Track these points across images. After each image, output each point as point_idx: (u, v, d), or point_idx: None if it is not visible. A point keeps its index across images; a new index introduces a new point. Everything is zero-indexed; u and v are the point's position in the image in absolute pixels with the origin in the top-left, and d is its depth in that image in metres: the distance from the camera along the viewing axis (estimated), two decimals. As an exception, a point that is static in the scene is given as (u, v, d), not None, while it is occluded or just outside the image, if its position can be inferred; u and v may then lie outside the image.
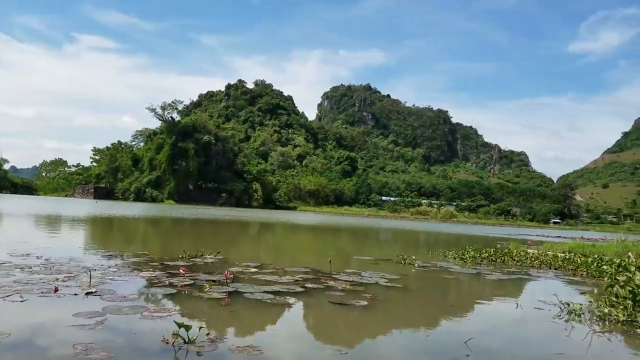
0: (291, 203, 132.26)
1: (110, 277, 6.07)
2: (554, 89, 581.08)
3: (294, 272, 7.61)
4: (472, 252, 12.28)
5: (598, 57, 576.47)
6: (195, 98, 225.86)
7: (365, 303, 5.54)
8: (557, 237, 34.03)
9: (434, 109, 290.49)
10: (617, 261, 10.52)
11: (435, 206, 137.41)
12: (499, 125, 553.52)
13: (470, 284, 8.29)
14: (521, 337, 4.85)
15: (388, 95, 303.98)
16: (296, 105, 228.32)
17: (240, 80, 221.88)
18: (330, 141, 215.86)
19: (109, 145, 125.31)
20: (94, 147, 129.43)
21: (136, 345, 3.50)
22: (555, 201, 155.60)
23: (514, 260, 11.72)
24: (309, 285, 6.44)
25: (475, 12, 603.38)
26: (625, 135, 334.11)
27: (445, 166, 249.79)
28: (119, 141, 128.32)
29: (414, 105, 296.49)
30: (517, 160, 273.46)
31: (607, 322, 5.17)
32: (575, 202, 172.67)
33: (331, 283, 6.75)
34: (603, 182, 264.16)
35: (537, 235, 37.64)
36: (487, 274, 9.16)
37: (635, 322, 5.06)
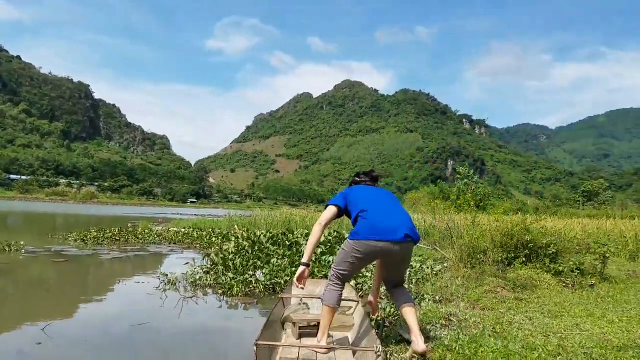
0: None
1: None
2: (193, 79, 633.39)
3: None
4: (95, 233, 11.71)
5: (230, 57, 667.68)
6: None
7: None
8: (190, 215, 37.06)
9: (75, 80, 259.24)
10: (225, 233, 12.46)
11: (76, 187, 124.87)
12: (143, 107, 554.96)
13: (80, 266, 7.78)
14: (110, 314, 4.74)
15: (19, 57, 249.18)
16: None
17: None
18: None
19: None
20: None
21: None
22: (192, 183, 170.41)
23: (138, 238, 11.91)
24: None
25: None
26: (248, 129, 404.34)
27: (87, 144, 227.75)
28: None
29: (50, 73, 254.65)
30: (159, 144, 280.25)
31: (197, 287, 5.90)
32: (209, 184, 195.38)
33: None
34: (231, 167, 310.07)
35: (174, 214, 39.89)
36: (104, 254, 8.89)
37: (219, 284, 6.01)
